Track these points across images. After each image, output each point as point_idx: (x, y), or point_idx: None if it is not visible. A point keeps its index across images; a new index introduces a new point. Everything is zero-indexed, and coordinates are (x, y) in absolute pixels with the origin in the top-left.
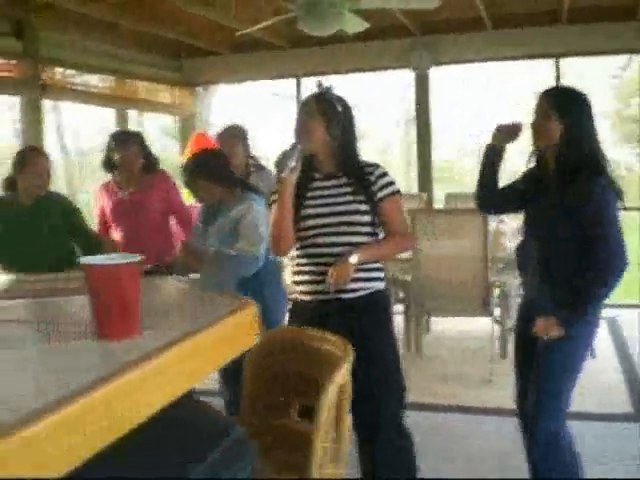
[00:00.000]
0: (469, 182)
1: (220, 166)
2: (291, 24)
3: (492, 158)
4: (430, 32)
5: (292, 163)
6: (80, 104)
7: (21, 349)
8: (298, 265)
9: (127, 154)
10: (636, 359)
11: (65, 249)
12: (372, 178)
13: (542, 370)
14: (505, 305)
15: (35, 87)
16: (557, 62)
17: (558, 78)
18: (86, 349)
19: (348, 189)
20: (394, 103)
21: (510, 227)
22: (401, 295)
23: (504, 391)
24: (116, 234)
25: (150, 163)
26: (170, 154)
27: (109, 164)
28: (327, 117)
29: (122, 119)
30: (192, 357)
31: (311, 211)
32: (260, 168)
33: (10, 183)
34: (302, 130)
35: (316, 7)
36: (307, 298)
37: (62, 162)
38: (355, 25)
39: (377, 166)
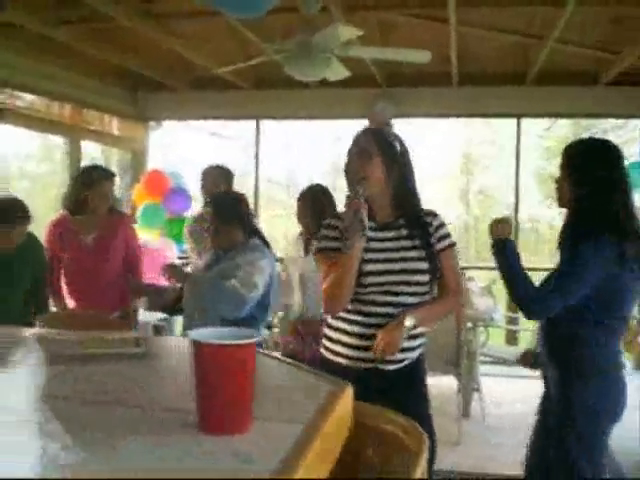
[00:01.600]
0: None
1: (247, 211)
2: (256, 65)
3: (511, 252)
4: (395, 84)
5: (359, 227)
6: (23, 129)
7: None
8: (342, 321)
9: (100, 194)
10: None
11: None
12: (431, 229)
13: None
14: (470, 364)
15: None
16: (519, 121)
17: (518, 138)
18: (194, 447)
19: (408, 243)
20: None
21: (477, 286)
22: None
23: (474, 453)
24: (71, 279)
25: (114, 204)
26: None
27: (76, 202)
28: (387, 158)
29: (75, 150)
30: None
31: (370, 267)
32: None
33: None
34: (359, 173)
35: (307, 51)
36: (343, 362)
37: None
38: (338, 72)
39: (435, 215)
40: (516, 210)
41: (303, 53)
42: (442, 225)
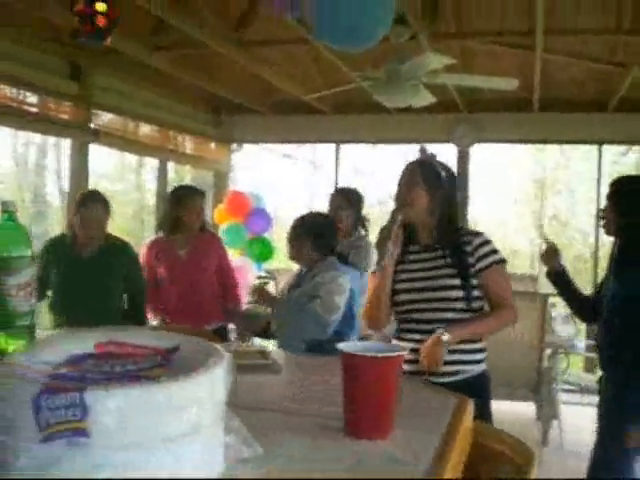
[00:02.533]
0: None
1: (329, 233)
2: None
3: (562, 280)
4: (476, 109)
5: (392, 248)
6: (122, 151)
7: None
8: (395, 340)
9: (193, 212)
10: None
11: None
12: (469, 248)
13: None
14: (549, 391)
15: (87, 131)
16: (600, 149)
17: (600, 165)
18: (345, 450)
19: (442, 262)
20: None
21: (559, 313)
22: None
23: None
24: (168, 295)
25: (205, 222)
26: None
27: (171, 222)
28: (431, 186)
29: (162, 171)
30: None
31: (406, 285)
32: (359, 239)
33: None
34: (404, 199)
35: (396, 79)
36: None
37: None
38: (423, 98)
39: (477, 234)
40: (597, 236)
41: (392, 81)
42: (484, 244)
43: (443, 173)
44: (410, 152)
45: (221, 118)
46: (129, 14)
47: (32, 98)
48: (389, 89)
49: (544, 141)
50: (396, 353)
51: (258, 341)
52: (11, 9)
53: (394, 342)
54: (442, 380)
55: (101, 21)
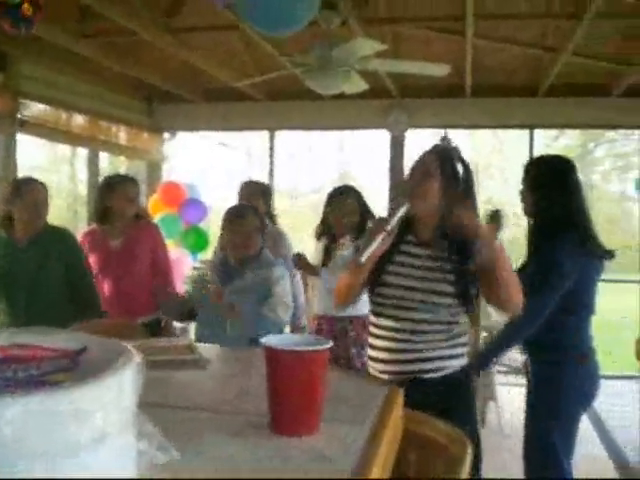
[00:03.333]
0: None
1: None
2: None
3: None
4: (408, 95)
5: (377, 242)
6: (51, 142)
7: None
8: (373, 337)
9: (123, 199)
10: None
11: (63, 297)
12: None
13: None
14: (485, 373)
15: (13, 122)
16: (531, 133)
17: (531, 148)
18: (269, 447)
19: (436, 264)
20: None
21: None
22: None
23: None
24: (101, 287)
25: (139, 211)
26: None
27: (102, 211)
28: (446, 177)
29: (93, 161)
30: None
31: (392, 279)
32: (277, 232)
33: (5, 218)
34: (416, 190)
35: (327, 65)
36: (385, 377)
37: None
38: (356, 85)
39: None
40: None
41: (323, 67)
42: None
43: (460, 168)
44: (345, 138)
45: (153, 107)
46: (55, 1)
47: None
48: (320, 75)
49: (476, 126)
50: (318, 347)
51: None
52: None
53: (370, 340)
54: (427, 376)
55: (27, 10)
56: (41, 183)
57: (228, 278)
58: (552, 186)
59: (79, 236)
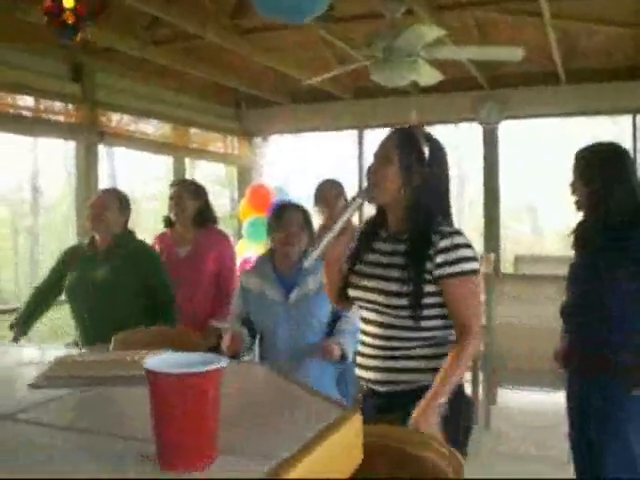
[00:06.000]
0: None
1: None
2: (355, 74)
3: None
4: (500, 85)
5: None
6: (135, 151)
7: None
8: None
9: (186, 207)
10: None
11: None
12: (432, 251)
13: None
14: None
15: (93, 133)
16: (634, 118)
17: (634, 135)
18: None
19: (396, 260)
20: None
21: None
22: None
23: None
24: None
25: (208, 218)
26: (222, 205)
27: (167, 217)
28: (407, 160)
29: (179, 168)
30: None
31: (355, 280)
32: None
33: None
34: (373, 174)
35: (391, 56)
36: (362, 383)
37: None
38: (429, 76)
39: (449, 234)
40: None
41: (388, 58)
42: (451, 248)
43: (427, 149)
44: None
45: (241, 111)
46: (122, 10)
47: (31, 102)
48: (385, 67)
49: (573, 114)
50: (202, 369)
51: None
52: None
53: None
54: (381, 389)
55: (70, 18)
56: (108, 192)
57: (288, 287)
58: (611, 176)
59: (153, 240)
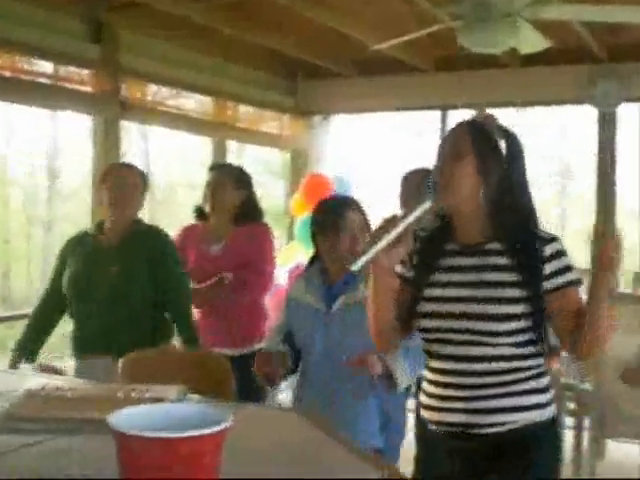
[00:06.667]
0: None
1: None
2: (438, 39)
3: None
4: (622, 58)
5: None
6: (167, 129)
7: None
8: (424, 379)
9: (224, 195)
10: None
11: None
12: (543, 256)
13: None
14: None
15: (114, 104)
16: None
17: None
18: None
19: (496, 276)
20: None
21: None
22: (572, 406)
23: None
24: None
25: (252, 210)
26: (272, 197)
27: (200, 208)
28: (483, 155)
29: (220, 150)
30: None
31: (433, 307)
32: None
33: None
34: (442, 174)
35: (485, 15)
36: (433, 427)
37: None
38: (532, 42)
39: (549, 240)
40: None
41: (480, 18)
42: (556, 256)
43: (502, 141)
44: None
45: (296, 84)
46: None
47: (44, 66)
48: (476, 28)
49: None
50: (190, 434)
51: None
52: None
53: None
54: (486, 431)
55: None
56: (132, 167)
57: (332, 296)
58: None
59: (177, 232)
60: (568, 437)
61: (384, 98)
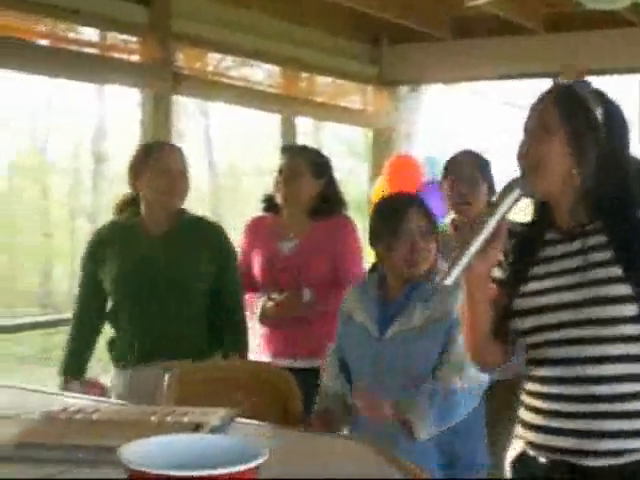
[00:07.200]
0: None
1: None
2: None
3: None
4: None
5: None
6: (230, 105)
7: None
8: (525, 394)
9: (300, 185)
10: None
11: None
12: None
13: None
14: None
15: (165, 76)
16: None
17: None
18: None
19: (604, 254)
20: None
21: None
22: None
23: None
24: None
25: (333, 202)
26: (356, 183)
27: (270, 197)
28: (576, 128)
29: (290, 129)
30: None
31: (534, 302)
32: None
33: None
34: (527, 155)
35: None
36: (533, 453)
37: (208, 184)
38: None
39: None
40: None
41: None
42: None
43: (599, 109)
44: None
45: (380, 50)
46: None
47: (86, 33)
48: None
49: None
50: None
51: None
52: None
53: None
54: (590, 464)
55: None
56: (178, 148)
57: (387, 317)
58: None
59: (245, 226)
60: None
61: (484, 64)
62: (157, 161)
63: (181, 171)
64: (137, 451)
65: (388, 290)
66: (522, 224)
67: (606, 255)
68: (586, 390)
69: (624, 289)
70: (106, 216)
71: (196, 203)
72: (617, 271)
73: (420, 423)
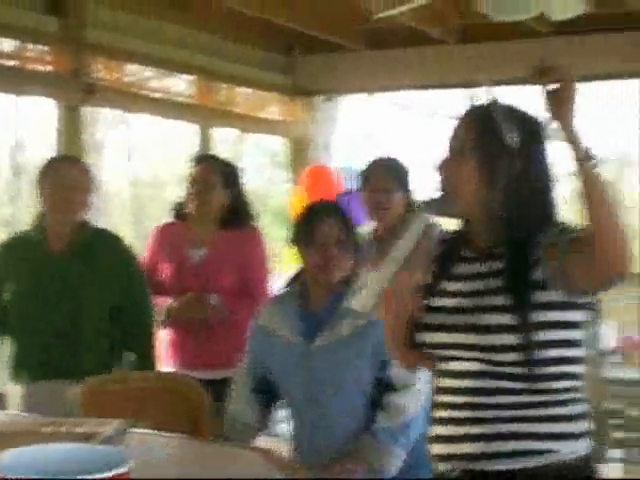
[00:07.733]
0: None
1: None
2: (459, 4)
3: None
4: None
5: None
6: (148, 115)
7: None
8: (434, 406)
9: (207, 193)
10: None
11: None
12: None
13: None
14: None
15: (76, 87)
16: None
17: None
18: None
19: (498, 281)
20: None
21: None
22: (618, 435)
23: None
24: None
25: (242, 212)
26: (277, 192)
27: (180, 205)
28: (485, 155)
29: (206, 139)
30: None
31: (441, 319)
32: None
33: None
34: (447, 174)
35: None
36: (442, 466)
37: (130, 193)
38: (564, 6)
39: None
40: None
41: None
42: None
43: (514, 134)
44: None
45: (294, 60)
46: None
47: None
48: None
49: None
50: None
51: None
52: None
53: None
54: (503, 467)
55: None
56: (74, 162)
57: (311, 327)
58: None
59: (152, 233)
60: (614, 473)
61: (399, 75)
62: (52, 177)
63: (77, 186)
64: (13, 459)
65: (310, 300)
66: (452, 233)
67: (497, 282)
68: (490, 398)
69: (506, 318)
70: (25, 228)
71: (118, 213)
72: (502, 300)
73: (390, 461)
